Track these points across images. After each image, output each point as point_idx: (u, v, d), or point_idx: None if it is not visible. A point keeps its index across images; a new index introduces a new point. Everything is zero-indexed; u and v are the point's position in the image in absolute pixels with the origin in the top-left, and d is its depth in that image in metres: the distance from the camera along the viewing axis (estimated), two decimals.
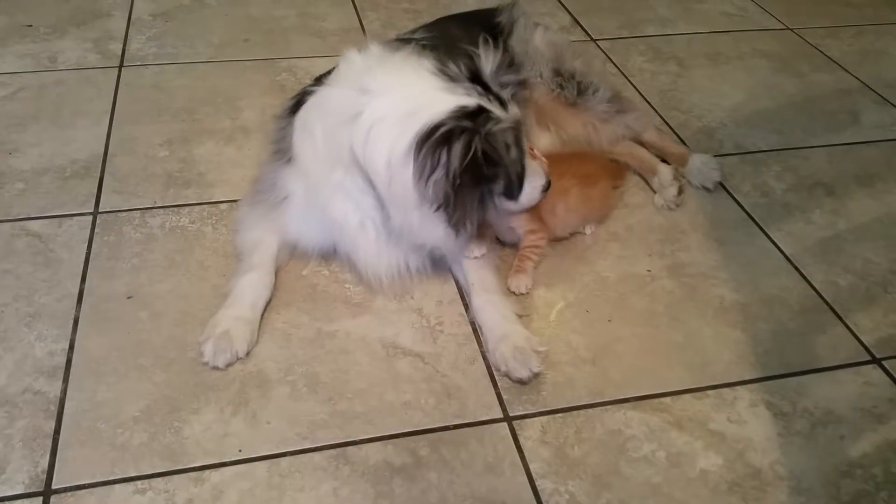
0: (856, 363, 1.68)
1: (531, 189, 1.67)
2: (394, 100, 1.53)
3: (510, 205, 1.67)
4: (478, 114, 1.51)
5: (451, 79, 1.54)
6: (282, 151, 1.79)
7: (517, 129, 1.56)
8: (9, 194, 2.00)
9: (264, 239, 1.76)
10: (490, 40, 1.59)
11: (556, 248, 1.90)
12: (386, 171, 1.52)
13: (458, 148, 1.46)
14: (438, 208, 1.53)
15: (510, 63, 1.61)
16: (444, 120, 1.47)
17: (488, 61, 1.57)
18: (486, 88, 1.54)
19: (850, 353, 1.70)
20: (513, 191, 1.62)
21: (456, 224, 1.56)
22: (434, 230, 1.58)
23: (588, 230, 1.95)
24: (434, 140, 1.47)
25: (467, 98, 1.52)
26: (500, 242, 1.86)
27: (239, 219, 1.87)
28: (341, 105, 1.58)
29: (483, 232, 1.76)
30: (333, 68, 1.80)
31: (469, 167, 1.47)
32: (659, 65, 2.74)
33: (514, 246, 1.84)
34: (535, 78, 2.12)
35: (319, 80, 1.79)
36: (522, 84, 1.66)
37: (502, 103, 1.54)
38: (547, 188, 1.70)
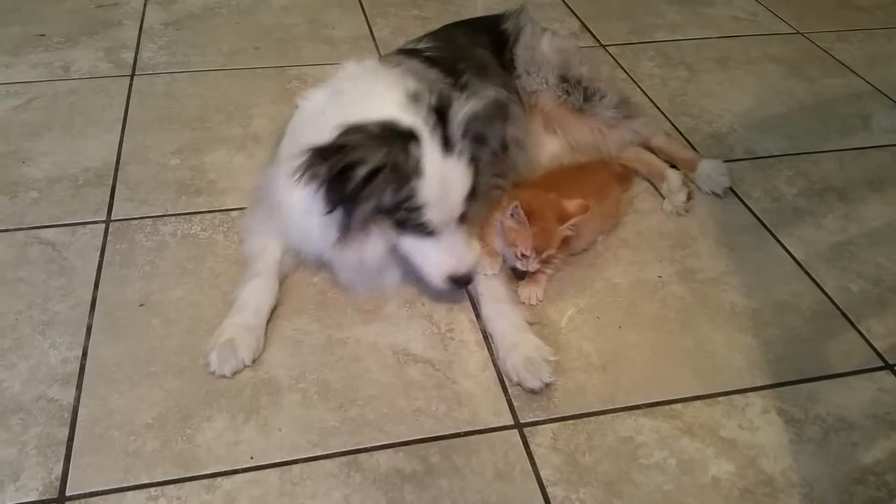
0: (868, 369, 1.67)
1: (436, 263, 1.60)
2: (352, 100, 1.51)
3: (417, 250, 1.59)
4: (405, 136, 1.46)
5: (415, 99, 1.50)
6: (274, 155, 1.79)
7: (409, 170, 1.47)
8: (22, 203, 2.02)
9: (267, 246, 1.77)
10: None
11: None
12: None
13: (335, 161, 1.44)
14: (328, 213, 1.51)
15: (491, 114, 1.52)
16: (351, 130, 1.45)
17: (464, 106, 1.50)
18: (442, 123, 1.48)
19: (862, 359, 1.70)
20: (406, 228, 1.55)
21: (343, 236, 1.55)
22: (324, 237, 1.57)
23: (600, 238, 1.95)
24: (322, 150, 1.46)
25: (409, 117, 1.47)
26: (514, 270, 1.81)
27: (244, 227, 1.88)
28: (314, 108, 1.59)
29: (495, 251, 1.76)
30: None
31: (346, 182, 1.44)
32: (668, 70, 2.73)
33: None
34: (542, 84, 2.12)
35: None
36: (494, 141, 1.56)
37: (447, 144, 1.48)
38: (463, 282, 1.62)
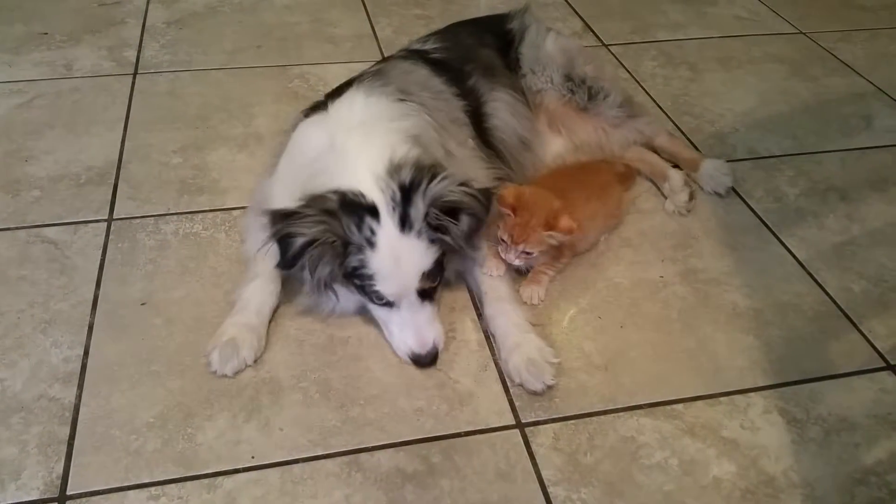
0: (870, 370, 1.67)
1: (397, 337, 1.61)
2: (336, 162, 1.54)
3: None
4: (367, 209, 1.48)
5: (392, 173, 1.50)
6: (274, 166, 1.80)
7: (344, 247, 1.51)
8: (25, 201, 2.02)
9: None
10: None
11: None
12: None
13: (277, 230, 1.51)
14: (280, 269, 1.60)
15: (454, 207, 1.51)
16: (311, 200, 1.50)
17: (434, 188, 1.50)
18: (405, 201, 1.49)
19: (864, 359, 1.69)
20: (366, 294, 1.58)
21: (310, 289, 1.60)
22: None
23: (602, 238, 1.95)
24: (273, 216, 1.53)
25: (376, 192, 1.48)
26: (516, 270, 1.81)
27: (245, 227, 1.88)
28: (311, 150, 1.62)
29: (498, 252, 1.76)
30: (345, 83, 1.83)
31: (285, 249, 1.51)
32: (671, 70, 2.73)
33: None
34: (546, 84, 2.13)
35: (330, 96, 1.80)
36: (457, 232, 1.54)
37: (404, 223, 1.49)
38: (422, 363, 1.59)
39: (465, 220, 1.53)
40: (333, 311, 1.69)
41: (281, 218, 1.51)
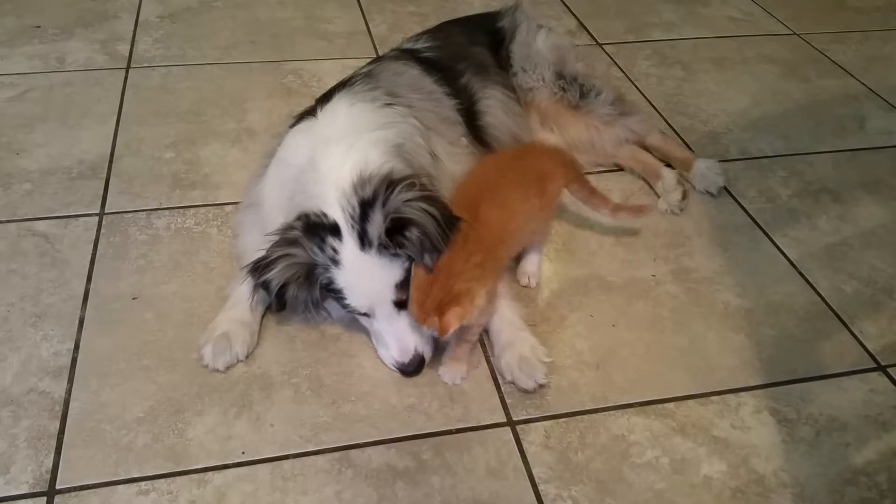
0: (861, 370, 1.67)
1: (383, 348, 1.60)
2: (310, 181, 1.53)
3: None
4: (327, 229, 1.48)
5: (356, 188, 1.48)
6: (265, 166, 1.79)
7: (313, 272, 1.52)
8: (16, 195, 2.01)
9: (263, 241, 1.76)
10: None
11: (560, 253, 1.90)
12: None
13: (255, 281, 1.56)
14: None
15: (403, 223, 1.48)
16: (277, 239, 1.53)
17: (392, 201, 1.47)
18: (364, 217, 1.47)
19: (855, 360, 1.70)
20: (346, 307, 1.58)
21: (305, 310, 1.61)
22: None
23: (531, 270, 1.81)
24: (249, 269, 1.56)
25: (337, 211, 1.48)
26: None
27: (238, 223, 1.87)
28: (295, 163, 1.61)
29: None
30: (336, 86, 1.81)
31: (268, 292, 1.56)
32: (664, 69, 2.73)
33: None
34: (538, 81, 2.13)
35: (321, 99, 1.78)
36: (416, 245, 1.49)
37: (363, 240, 1.47)
38: (408, 372, 1.57)
39: (414, 235, 1.48)
40: (332, 322, 1.69)
41: (255, 269, 1.55)
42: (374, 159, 1.52)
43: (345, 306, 1.56)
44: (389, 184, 1.48)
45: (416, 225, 1.47)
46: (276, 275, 1.51)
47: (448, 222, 1.49)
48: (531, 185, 1.68)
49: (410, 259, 1.50)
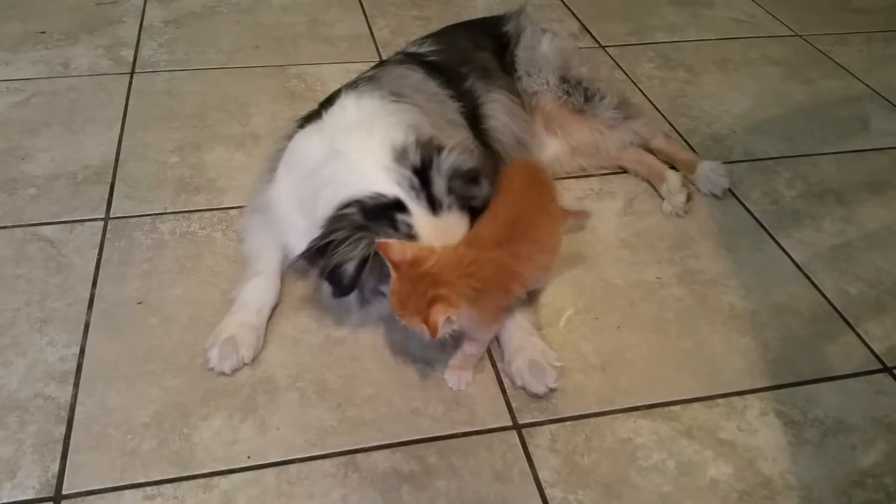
0: (867, 372, 1.67)
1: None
2: (341, 169, 1.53)
3: None
4: (390, 207, 1.47)
5: (400, 159, 1.50)
6: (271, 171, 1.79)
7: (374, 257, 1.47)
8: (21, 200, 2.01)
9: (269, 245, 1.76)
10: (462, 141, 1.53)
11: (564, 256, 1.89)
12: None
13: (325, 265, 1.50)
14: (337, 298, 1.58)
15: (473, 174, 1.51)
16: (335, 222, 1.48)
17: (447, 160, 1.50)
18: (425, 183, 1.48)
19: (860, 361, 1.70)
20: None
21: (362, 305, 1.60)
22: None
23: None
24: (311, 254, 1.51)
25: (393, 186, 1.48)
26: None
27: (243, 227, 1.87)
28: (311, 159, 1.61)
29: None
30: (338, 91, 1.81)
31: (340, 277, 1.49)
32: (668, 71, 2.73)
33: None
34: (542, 85, 2.13)
35: (324, 103, 1.79)
36: (476, 199, 1.52)
37: (433, 204, 1.48)
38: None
39: (485, 184, 1.52)
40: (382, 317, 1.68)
41: (320, 253, 1.49)
42: (397, 135, 1.53)
43: None
44: (431, 146, 1.49)
45: (483, 174, 1.50)
46: (351, 255, 1.46)
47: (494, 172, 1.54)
48: (553, 218, 1.65)
49: (472, 211, 1.52)
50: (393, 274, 1.41)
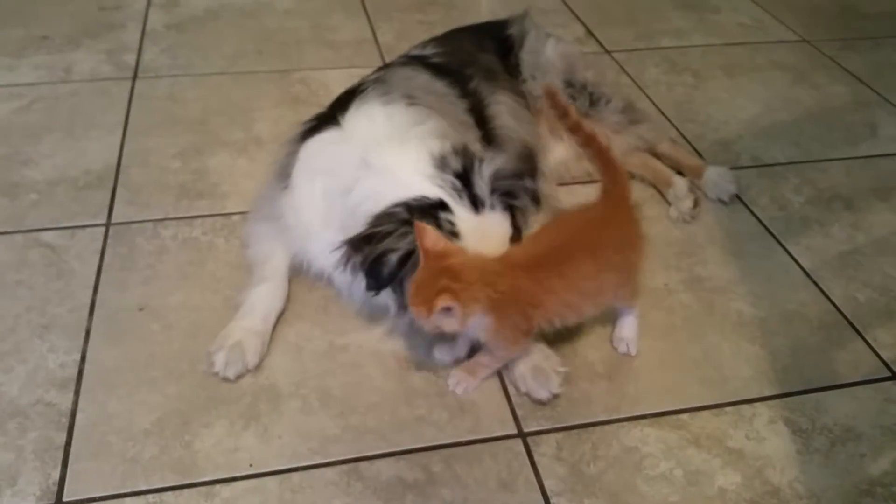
0: (876, 379, 1.65)
1: None
2: (381, 184, 1.53)
3: None
4: (436, 206, 1.48)
5: (441, 167, 1.51)
6: (283, 177, 1.77)
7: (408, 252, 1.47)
8: (22, 205, 2.00)
9: (276, 251, 1.75)
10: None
11: None
12: None
13: (368, 252, 1.48)
14: (373, 295, 1.56)
15: (517, 172, 1.54)
16: (380, 218, 1.48)
17: (489, 165, 1.52)
18: (466, 184, 1.50)
19: (869, 369, 1.68)
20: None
21: (401, 307, 1.57)
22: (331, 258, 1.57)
23: (628, 336, 1.66)
24: (355, 242, 1.50)
25: (436, 189, 1.49)
26: None
27: (248, 233, 1.86)
28: (343, 173, 1.59)
29: None
30: (347, 94, 1.80)
31: (382, 268, 1.48)
32: (674, 76, 2.72)
33: None
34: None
35: (336, 107, 1.77)
36: (525, 194, 1.55)
37: (475, 203, 1.49)
38: None
39: (528, 182, 1.56)
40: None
41: (364, 242, 1.49)
42: (434, 144, 1.55)
43: None
44: (470, 153, 1.52)
45: (523, 176, 1.53)
46: (396, 246, 1.45)
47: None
48: (599, 264, 1.50)
49: (514, 213, 1.53)
50: (421, 261, 1.40)
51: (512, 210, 1.56)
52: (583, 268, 1.48)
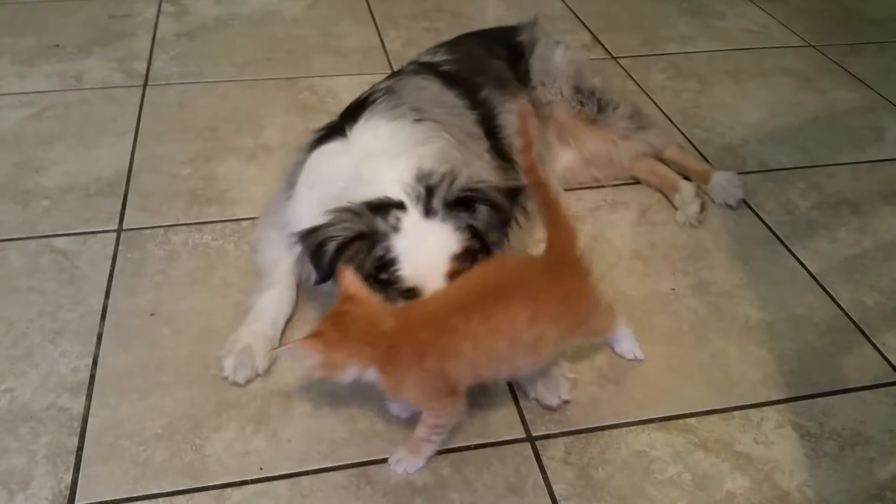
0: (884, 384, 1.65)
1: None
2: (362, 190, 1.54)
3: None
4: (393, 205, 1.50)
5: (418, 179, 1.53)
6: (290, 185, 1.79)
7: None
8: (34, 212, 2.02)
9: (284, 256, 1.76)
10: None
11: None
12: None
13: (310, 242, 1.53)
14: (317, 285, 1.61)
15: (471, 198, 1.53)
16: (333, 211, 1.51)
17: (458, 182, 1.53)
18: (430, 195, 1.51)
19: (877, 373, 1.68)
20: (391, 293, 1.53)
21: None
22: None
23: (628, 347, 1.66)
24: (301, 233, 1.55)
25: (401, 193, 1.51)
26: None
27: (257, 239, 1.87)
28: (337, 183, 1.61)
29: None
30: (358, 104, 1.80)
31: (322, 258, 1.51)
32: (680, 82, 2.73)
33: None
34: (556, 96, 2.13)
35: (346, 117, 1.78)
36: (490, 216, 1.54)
37: (428, 211, 1.50)
38: None
39: (482, 210, 1.53)
40: None
41: (309, 232, 1.52)
42: (428, 163, 1.56)
43: (392, 282, 1.50)
44: (452, 175, 1.53)
45: (486, 198, 1.53)
46: (335, 234, 1.49)
47: (514, 206, 1.57)
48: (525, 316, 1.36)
49: (473, 234, 1.53)
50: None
51: (474, 229, 1.54)
52: (516, 315, 1.35)
